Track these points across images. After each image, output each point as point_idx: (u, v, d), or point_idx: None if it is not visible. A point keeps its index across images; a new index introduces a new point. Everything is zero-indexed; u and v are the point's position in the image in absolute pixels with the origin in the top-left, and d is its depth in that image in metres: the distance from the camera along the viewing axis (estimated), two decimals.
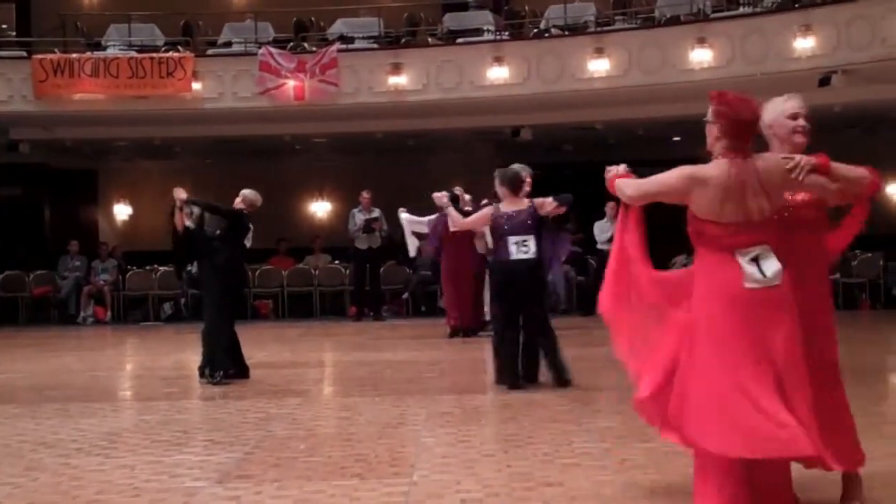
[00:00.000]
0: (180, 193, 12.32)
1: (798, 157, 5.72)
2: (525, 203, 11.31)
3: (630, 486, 6.57)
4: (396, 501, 6.39)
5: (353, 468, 7.29)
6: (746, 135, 5.74)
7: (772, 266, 5.63)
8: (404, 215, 17.28)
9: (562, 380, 11.04)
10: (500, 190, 11.40)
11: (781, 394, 5.50)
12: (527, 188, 11.65)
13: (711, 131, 5.79)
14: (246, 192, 12.70)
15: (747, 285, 5.61)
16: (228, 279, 12.33)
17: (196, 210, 12.36)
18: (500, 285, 11.37)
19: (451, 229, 11.62)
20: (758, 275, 5.62)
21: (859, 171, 5.79)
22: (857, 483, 5.94)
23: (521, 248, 11.11)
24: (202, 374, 12.07)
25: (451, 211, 11.66)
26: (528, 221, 11.20)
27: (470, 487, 6.65)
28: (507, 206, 11.29)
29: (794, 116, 5.96)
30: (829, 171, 5.69)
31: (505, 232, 11.19)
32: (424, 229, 17.29)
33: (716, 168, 5.71)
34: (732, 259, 5.63)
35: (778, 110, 5.99)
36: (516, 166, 11.74)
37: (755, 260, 5.63)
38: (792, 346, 5.58)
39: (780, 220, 5.77)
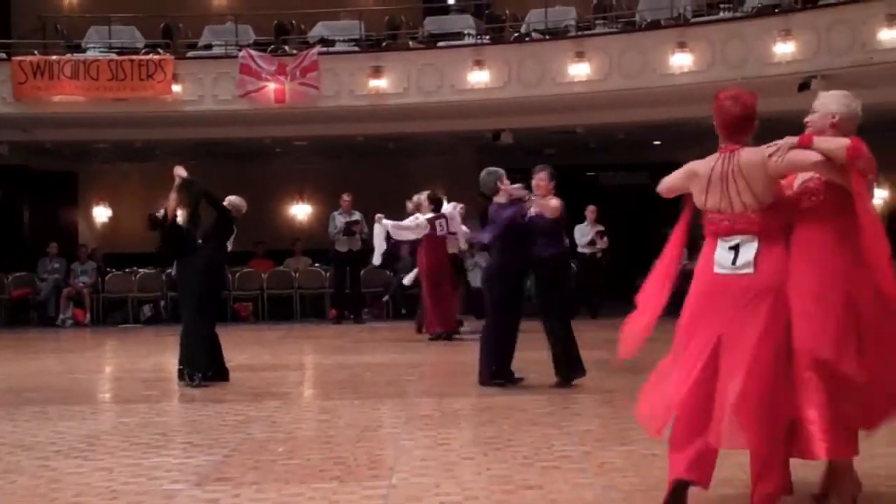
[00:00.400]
0: (181, 171, 12.28)
1: (780, 141, 5.89)
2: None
3: (609, 489, 6.59)
4: None
5: (332, 471, 7.29)
6: (735, 130, 6.07)
7: (746, 255, 5.87)
8: (386, 221, 17.26)
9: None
10: (549, 184, 11.54)
11: (707, 381, 5.80)
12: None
13: None
14: (232, 198, 12.71)
15: (716, 270, 5.95)
16: (209, 281, 12.29)
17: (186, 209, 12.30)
18: (564, 274, 11.78)
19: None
20: (727, 262, 5.91)
21: (841, 140, 5.80)
22: (841, 475, 5.99)
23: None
24: (181, 377, 12.03)
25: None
26: None
27: (449, 490, 6.65)
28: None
29: None
30: (810, 145, 5.82)
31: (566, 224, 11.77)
32: (411, 235, 17.24)
33: (707, 162, 6.03)
34: (715, 245, 5.96)
35: None
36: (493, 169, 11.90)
37: (735, 248, 5.89)
38: (756, 333, 5.75)
39: (790, 210, 5.95)
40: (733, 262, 5.90)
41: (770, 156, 5.85)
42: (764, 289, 5.81)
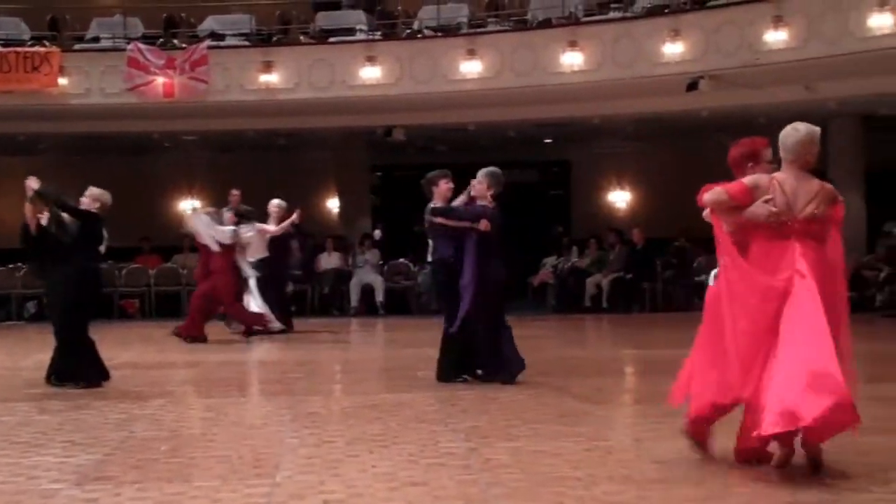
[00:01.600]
0: (32, 183, 11.52)
1: None
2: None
3: (493, 486, 6.57)
4: (258, 502, 6.31)
5: (215, 469, 7.20)
6: (733, 167, 7.32)
7: (715, 271, 7.28)
8: (205, 216, 16.85)
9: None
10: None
11: None
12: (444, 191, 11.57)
13: None
14: (95, 190, 11.90)
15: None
16: (82, 289, 11.53)
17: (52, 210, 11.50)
18: None
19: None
20: (712, 277, 7.43)
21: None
22: None
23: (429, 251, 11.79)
24: (50, 381, 11.61)
25: None
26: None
27: (333, 488, 6.60)
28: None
29: None
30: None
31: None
32: (215, 238, 16.75)
33: None
34: None
35: None
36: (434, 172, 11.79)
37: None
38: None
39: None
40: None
41: None
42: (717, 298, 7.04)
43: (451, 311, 11.31)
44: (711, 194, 6.98)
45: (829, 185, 6.98)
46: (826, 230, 6.93)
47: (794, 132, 6.92)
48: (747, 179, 6.94)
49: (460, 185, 11.62)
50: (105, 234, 12.02)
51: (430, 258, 11.66)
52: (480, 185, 11.40)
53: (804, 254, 6.74)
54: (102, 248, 12.13)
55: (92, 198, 11.83)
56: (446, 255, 11.32)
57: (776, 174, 6.92)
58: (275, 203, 18.21)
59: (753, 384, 6.59)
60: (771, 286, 6.74)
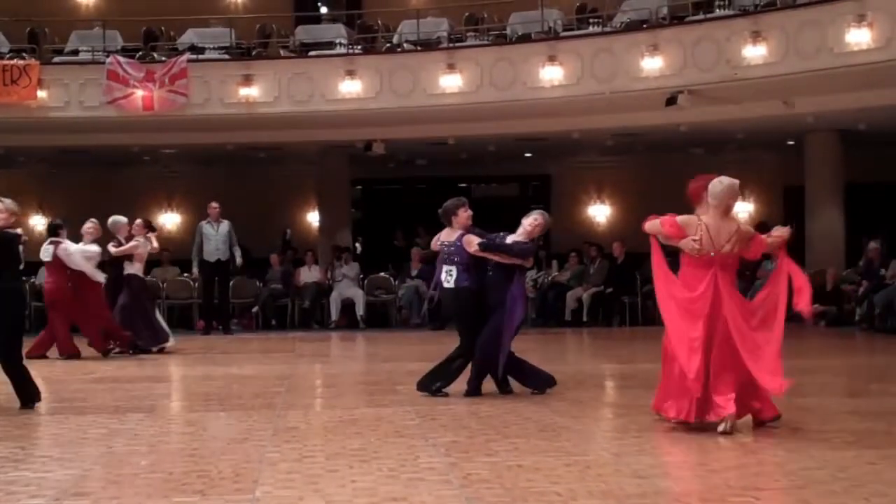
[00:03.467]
0: None
1: None
2: (455, 234, 11.47)
3: (473, 501, 6.57)
4: None
5: (194, 484, 7.17)
6: None
7: None
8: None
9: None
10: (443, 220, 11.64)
11: None
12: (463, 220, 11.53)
13: None
14: (7, 203, 11.11)
15: None
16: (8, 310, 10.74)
17: None
18: None
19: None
20: None
21: None
22: None
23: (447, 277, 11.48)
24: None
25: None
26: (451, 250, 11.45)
27: (313, 503, 6.59)
28: (445, 236, 11.54)
29: None
30: None
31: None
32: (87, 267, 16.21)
33: None
34: None
35: None
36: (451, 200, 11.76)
37: None
38: None
39: None
40: None
41: None
42: None
43: (471, 337, 11.32)
44: (651, 225, 9.11)
45: (745, 227, 9.13)
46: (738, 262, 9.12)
47: (719, 184, 8.89)
48: (680, 219, 8.95)
49: (442, 197, 11.65)
50: (21, 248, 11.19)
51: (448, 284, 11.47)
52: (539, 226, 11.39)
53: (722, 278, 8.84)
54: (21, 265, 11.24)
55: (9, 212, 11.16)
56: (469, 282, 11.27)
57: (703, 217, 8.93)
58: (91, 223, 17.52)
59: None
60: (690, 298, 8.92)
